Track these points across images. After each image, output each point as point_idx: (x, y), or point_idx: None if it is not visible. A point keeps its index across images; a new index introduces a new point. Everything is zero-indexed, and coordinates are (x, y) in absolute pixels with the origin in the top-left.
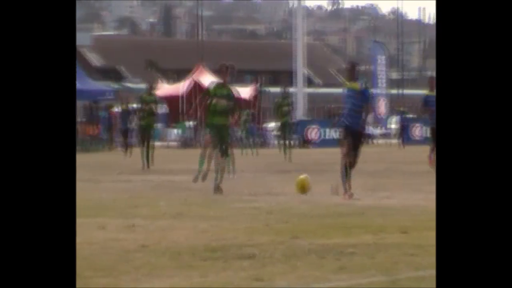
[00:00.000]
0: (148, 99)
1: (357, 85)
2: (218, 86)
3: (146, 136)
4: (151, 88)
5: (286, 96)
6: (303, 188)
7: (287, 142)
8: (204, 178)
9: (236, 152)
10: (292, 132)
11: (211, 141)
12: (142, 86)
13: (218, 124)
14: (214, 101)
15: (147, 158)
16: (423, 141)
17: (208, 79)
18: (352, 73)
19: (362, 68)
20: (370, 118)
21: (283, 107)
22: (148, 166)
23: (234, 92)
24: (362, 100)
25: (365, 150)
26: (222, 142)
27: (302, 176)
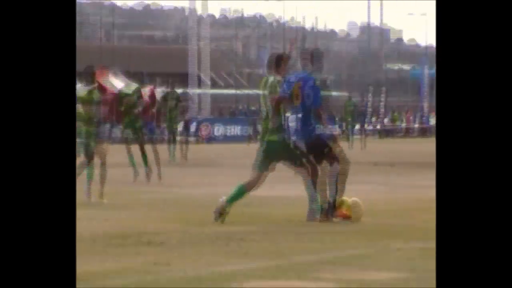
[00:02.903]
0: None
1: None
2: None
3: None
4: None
5: (174, 91)
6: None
7: (171, 137)
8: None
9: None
10: (176, 128)
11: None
12: None
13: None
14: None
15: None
16: None
17: (111, 81)
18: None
19: (249, 71)
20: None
21: (169, 101)
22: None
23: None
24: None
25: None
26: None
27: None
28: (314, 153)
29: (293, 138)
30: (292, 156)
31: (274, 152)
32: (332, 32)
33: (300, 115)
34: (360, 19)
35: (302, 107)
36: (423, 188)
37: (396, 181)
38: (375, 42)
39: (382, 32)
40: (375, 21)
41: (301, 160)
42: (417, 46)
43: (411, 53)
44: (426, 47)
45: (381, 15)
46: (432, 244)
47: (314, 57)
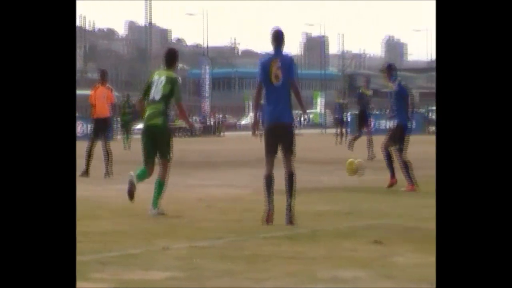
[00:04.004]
0: None
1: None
2: None
3: None
4: None
5: None
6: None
7: None
8: None
9: None
10: None
11: None
12: None
13: None
14: None
15: None
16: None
17: None
18: (388, 73)
19: None
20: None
21: None
22: None
23: None
24: (398, 98)
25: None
26: None
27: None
28: (287, 143)
29: (274, 120)
30: (162, 146)
31: (154, 136)
32: (110, 31)
33: (280, 95)
34: (139, 19)
35: (282, 86)
36: (202, 188)
37: (176, 181)
38: (157, 42)
39: (162, 32)
40: (156, 21)
41: (169, 154)
42: (196, 46)
43: (192, 53)
44: (207, 47)
45: (149, 14)
46: (213, 243)
47: (275, 36)
